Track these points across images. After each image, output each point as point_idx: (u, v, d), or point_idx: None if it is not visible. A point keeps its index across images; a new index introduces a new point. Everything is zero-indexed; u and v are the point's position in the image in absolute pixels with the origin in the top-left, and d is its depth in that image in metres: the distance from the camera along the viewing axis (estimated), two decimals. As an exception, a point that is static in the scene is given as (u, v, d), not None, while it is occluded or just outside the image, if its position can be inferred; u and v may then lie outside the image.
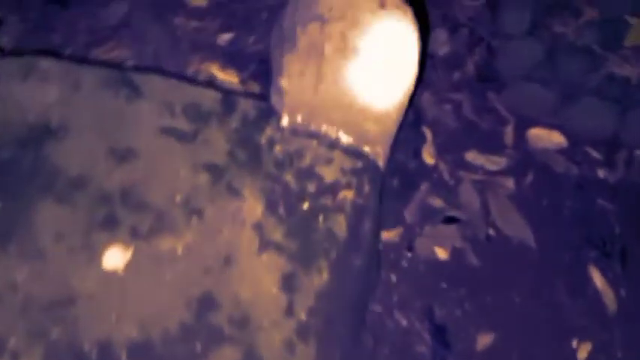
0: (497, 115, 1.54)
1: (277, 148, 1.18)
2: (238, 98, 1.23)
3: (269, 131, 1.19)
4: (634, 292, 1.30)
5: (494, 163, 1.47)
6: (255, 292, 1.03)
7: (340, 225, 1.11)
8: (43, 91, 1.16)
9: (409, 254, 1.31)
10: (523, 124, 1.52)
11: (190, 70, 1.46)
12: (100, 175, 1.09)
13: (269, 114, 1.21)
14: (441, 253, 1.32)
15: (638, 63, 1.51)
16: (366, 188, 1.16)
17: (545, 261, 1.33)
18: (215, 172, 1.13)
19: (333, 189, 1.15)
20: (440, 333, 1.22)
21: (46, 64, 1.20)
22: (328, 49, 1.04)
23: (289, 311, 1.02)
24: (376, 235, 1.18)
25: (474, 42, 1.62)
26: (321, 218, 1.11)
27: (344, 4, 1.01)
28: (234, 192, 1.11)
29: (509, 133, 1.51)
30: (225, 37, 1.55)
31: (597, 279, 1.32)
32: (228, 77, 1.45)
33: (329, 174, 1.16)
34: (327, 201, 1.13)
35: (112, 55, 1.46)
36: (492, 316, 1.25)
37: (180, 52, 1.50)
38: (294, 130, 1.19)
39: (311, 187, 1.14)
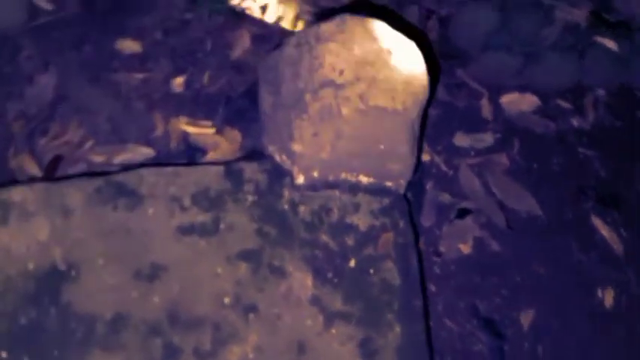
0: (470, 90, 1.54)
1: (302, 210, 1.13)
2: (241, 166, 1.15)
3: (287, 194, 1.13)
4: (633, 231, 1.43)
5: (481, 140, 1.49)
6: (340, 370, 1.02)
7: (391, 272, 1.10)
8: (32, 229, 1.01)
9: (438, 259, 1.34)
10: (495, 93, 1.54)
11: (158, 134, 1.32)
12: (137, 306, 0.99)
13: (280, 175, 1.15)
14: (465, 248, 1.36)
15: (583, 6, 1.55)
16: (401, 223, 1.15)
17: (553, 225, 1.41)
18: (252, 257, 1.06)
19: (371, 236, 1.13)
20: (489, 326, 1.28)
21: (18, 195, 1.04)
22: (345, 110, 0.98)
23: (378, 378, 1.02)
24: (421, 263, 1.18)
25: (426, 16, 1.59)
26: (371, 271, 1.10)
27: (354, 65, 0.94)
28: (278, 272, 1.06)
29: (485, 106, 1.53)
30: (178, 82, 1.40)
31: (601, 227, 1.42)
32: (202, 130, 1.32)
33: (361, 222, 1.13)
34: (370, 251, 1.11)
35: (62, 142, 1.28)
36: (526, 294, 1.33)
37: (136, 114, 1.34)
38: (313, 186, 1.14)
39: (350, 241, 1.12)
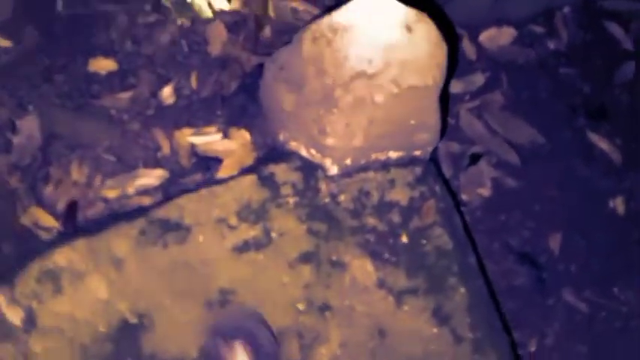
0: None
1: (342, 199, 1.13)
2: (270, 170, 1.13)
3: (324, 187, 1.12)
4: (624, 138, 1.52)
5: (472, 83, 1.51)
6: (422, 344, 1.06)
7: (442, 237, 1.14)
8: (89, 290, 0.97)
9: (464, 208, 1.38)
10: (474, 32, 1.56)
11: (165, 152, 1.26)
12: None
13: (312, 169, 1.13)
14: (485, 192, 1.41)
15: None
16: (437, 188, 1.18)
17: (555, 148, 1.48)
18: (310, 258, 1.07)
19: (414, 208, 1.15)
20: (525, 259, 1.36)
21: (62, 259, 0.99)
22: (379, 97, 0.96)
23: (457, 340, 1.07)
24: (464, 220, 1.22)
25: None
26: (424, 242, 1.13)
27: (381, 52, 0.92)
28: (338, 265, 1.08)
29: (468, 47, 1.54)
30: (166, 93, 1.32)
31: (597, 140, 1.50)
32: (208, 138, 1.28)
33: (401, 196, 1.15)
34: (417, 222, 1.14)
35: (69, 186, 1.20)
36: (548, 220, 1.40)
37: (135, 136, 1.27)
38: (346, 173, 1.14)
39: (395, 218, 1.13)
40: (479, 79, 1.54)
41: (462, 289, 1.09)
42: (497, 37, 1.58)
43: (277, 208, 1.08)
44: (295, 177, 1.12)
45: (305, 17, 1.49)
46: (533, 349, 1.25)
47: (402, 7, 0.97)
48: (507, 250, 1.37)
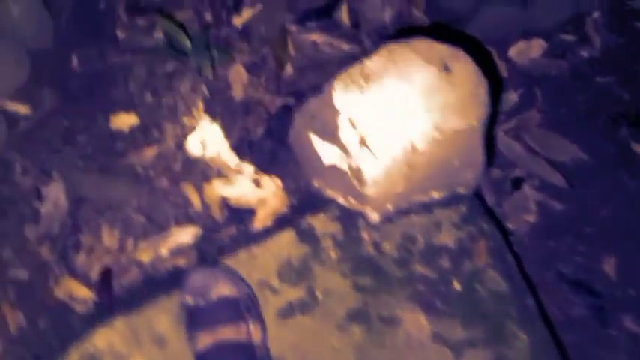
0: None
1: (387, 247, 1.07)
2: (308, 222, 1.07)
3: (367, 236, 1.07)
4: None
5: (506, 102, 1.43)
6: (486, 397, 1.00)
7: (496, 280, 1.07)
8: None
9: (511, 238, 1.31)
10: (502, 48, 1.49)
11: (197, 208, 1.21)
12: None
13: (352, 218, 1.08)
14: (531, 218, 1.34)
15: None
16: (485, 226, 1.11)
17: (598, 164, 1.40)
18: (360, 316, 1.01)
19: (463, 251, 1.09)
20: (580, 287, 1.29)
21: (102, 341, 0.94)
22: (421, 144, 0.91)
23: (523, 390, 1.01)
24: (517, 258, 1.16)
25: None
26: (478, 287, 1.06)
27: (421, 97, 0.86)
28: (390, 321, 1.02)
29: (498, 64, 1.48)
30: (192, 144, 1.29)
31: (643, 150, 1.43)
32: (239, 189, 1.23)
33: (448, 239, 1.09)
34: (468, 266, 1.08)
35: (101, 252, 1.16)
36: (600, 242, 1.32)
37: (165, 193, 1.23)
38: (388, 219, 1.08)
39: (445, 263, 1.07)
40: (512, 97, 1.47)
41: (523, 336, 1.03)
42: (527, 51, 1.51)
43: (320, 265, 1.02)
44: (335, 228, 1.07)
45: (326, 50, 1.44)
46: (600, 384, 1.19)
47: (436, 45, 0.92)
48: (560, 279, 1.29)
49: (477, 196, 1.17)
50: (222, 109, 1.33)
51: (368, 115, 0.90)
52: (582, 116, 1.50)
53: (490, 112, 0.96)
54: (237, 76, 1.35)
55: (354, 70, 0.91)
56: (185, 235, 1.19)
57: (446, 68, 0.88)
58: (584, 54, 1.57)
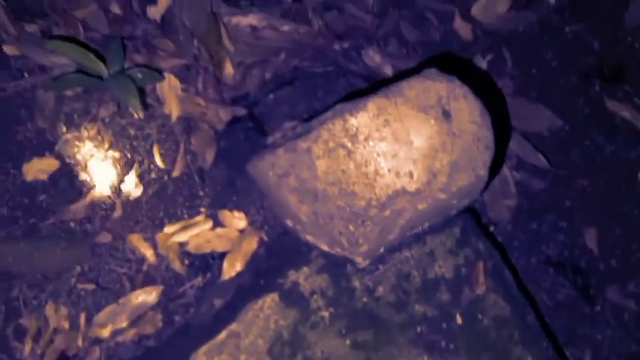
0: (438, 16, 1.30)
1: (380, 291, 0.96)
2: (292, 278, 0.94)
3: (358, 283, 0.95)
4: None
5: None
6: None
7: (497, 304, 1.00)
8: None
9: (495, 228, 1.23)
10: (464, 7, 1.30)
11: (151, 262, 1.04)
12: None
13: (338, 266, 0.95)
14: (512, 202, 1.25)
15: None
16: (481, 246, 1.02)
17: (574, 127, 1.32)
18: (363, 373, 0.92)
19: (461, 278, 1.00)
20: (564, 268, 1.24)
21: None
22: (424, 206, 0.76)
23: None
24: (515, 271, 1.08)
25: None
26: (480, 316, 0.99)
27: (422, 161, 0.70)
28: (394, 372, 0.94)
29: (461, 26, 1.29)
30: (130, 184, 1.06)
31: (617, 108, 1.34)
32: (199, 230, 1.06)
33: (445, 268, 0.99)
34: (468, 295, 0.99)
35: (49, 338, 0.98)
36: (581, 214, 1.28)
37: (113, 251, 1.04)
38: (379, 259, 0.96)
39: (444, 296, 0.98)
40: (481, 63, 1.33)
41: (529, 357, 0.99)
42: (491, 6, 1.34)
43: (312, 330, 0.91)
44: (322, 281, 0.94)
45: (268, 35, 1.21)
46: (589, 361, 1.20)
47: (430, 85, 0.74)
48: (546, 262, 1.25)
49: (469, 210, 1.07)
50: (158, 132, 1.11)
51: (362, 187, 0.75)
52: (554, 75, 1.37)
53: (495, 152, 0.82)
54: (169, 88, 1.12)
55: (335, 128, 0.73)
56: (146, 298, 1.04)
57: (445, 114, 0.72)
58: (552, 1, 1.42)
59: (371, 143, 0.72)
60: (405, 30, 1.27)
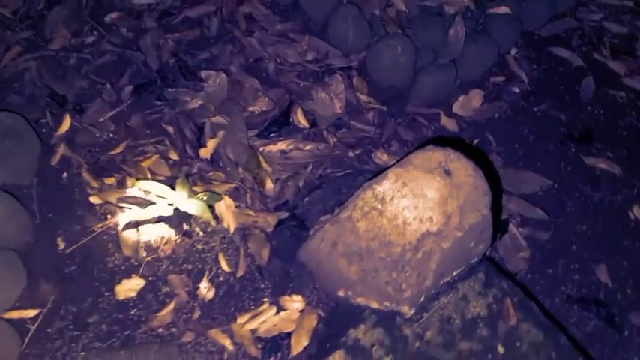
0: (421, 115, 1.60)
1: (430, 335, 1.13)
2: (353, 336, 1.11)
3: (409, 331, 1.12)
4: (614, 150, 1.61)
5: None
6: None
7: (531, 331, 1.15)
8: None
9: (515, 277, 1.42)
10: (447, 107, 1.61)
11: (231, 351, 1.21)
12: None
13: (389, 318, 1.13)
14: (525, 253, 1.42)
15: None
16: (505, 285, 1.20)
17: (562, 184, 1.54)
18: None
19: (495, 314, 1.17)
20: (586, 302, 1.40)
21: None
22: (447, 244, 0.98)
23: None
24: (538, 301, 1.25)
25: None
26: (518, 344, 1.14)
27: (437, 207, 0.93)
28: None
29: (447, 122, 1.59)
30: (204, 289, 1.28)
31: (593, 162, 1.57)
32: (266, 317, 1.24)
33: (479, 307, 1.16)
34: (503, 327, 1.15)
35: None
36: (588, 253, 1.46)
37: (197, 347, 1.22)
38: (422, 307, 1.14)
39: (483, 331, 1.15)
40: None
41: (562, 366, 1.12)
42: (468, 103, 1.64)
43: (376, 377, 1.07)
44: (379, 334, 1.11)
45: (295, 155, 1.50)
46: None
47: (430, 155, 1.00)
48: (568, 301, 1.41)
49: (488, 258, 1.27)
50: (220, 243, 1.35)
51: (396, 236, 0.97)
52: (534, 146, 1.64)
53: (492, 196, 1.05)
54: (225, 207, 1.38)
55: (366, 197, 0.97)
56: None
57: (446, 172, 0.96)
58: (516, 89, 1.72)
59: (396, 201, 0.95)
60: (402, 133, 1.55)
